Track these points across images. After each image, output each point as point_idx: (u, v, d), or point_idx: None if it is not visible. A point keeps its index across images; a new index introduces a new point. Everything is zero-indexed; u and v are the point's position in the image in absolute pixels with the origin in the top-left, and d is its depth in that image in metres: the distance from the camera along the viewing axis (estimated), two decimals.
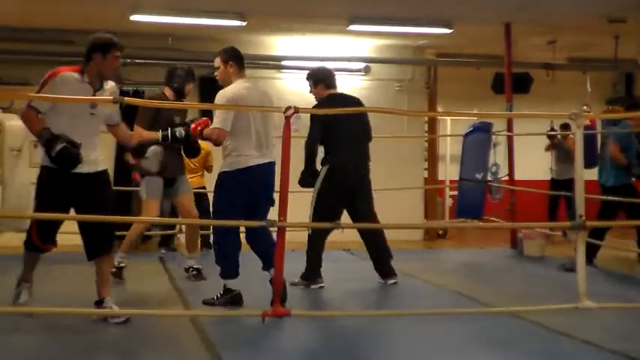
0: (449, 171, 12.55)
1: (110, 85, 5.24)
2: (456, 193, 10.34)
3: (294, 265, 6.08)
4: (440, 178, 12.56)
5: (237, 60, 5.82)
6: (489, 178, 9.51)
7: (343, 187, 6.60)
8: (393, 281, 6.75)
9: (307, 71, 6.73)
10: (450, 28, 9.83)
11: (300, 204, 5.89)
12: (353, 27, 9.72)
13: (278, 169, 5.01)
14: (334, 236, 6.64)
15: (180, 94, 6.84)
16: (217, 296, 5.68)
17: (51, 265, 8.08)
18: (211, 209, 5.95)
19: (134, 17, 9.08)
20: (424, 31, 10.17)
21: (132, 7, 8.86)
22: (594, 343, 4.64)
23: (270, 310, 4.35)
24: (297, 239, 6.55)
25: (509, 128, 9.75)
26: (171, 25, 9.62)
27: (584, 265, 4.90)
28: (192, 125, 5.85)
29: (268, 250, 5.60)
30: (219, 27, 9.75)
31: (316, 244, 6.63)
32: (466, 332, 5.04)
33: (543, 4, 8.75)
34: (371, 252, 6.86)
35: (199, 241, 7.47)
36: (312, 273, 6.63)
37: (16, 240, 8.72)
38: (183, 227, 9.16)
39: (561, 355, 4.57)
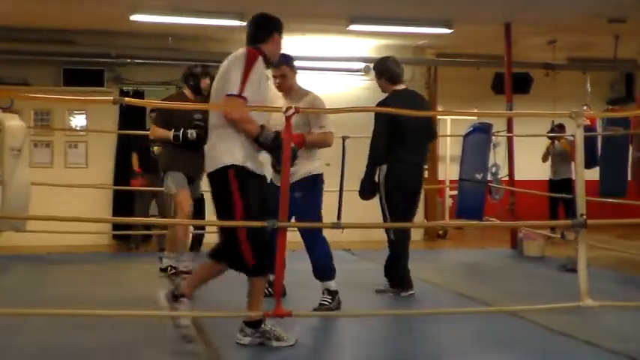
0: (449, 171, 12.56)
1: None
2: (455, 193, 10.34)
3: (294, 266, 6.04)
4: (440, 178, 12.57)
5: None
6: (489, 179, 9.51)
7: (406, 186, 6.30)
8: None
9: (307, 71, 6.73)
10: (450, 28, 9.84)
11: None
12: (353, 27, 9.72)
13: None
14: (336, 236, 6.60)
15: (197, 92, 6.95)
16: (329, 302, 5.62)
17: (51, 266, 8.11)
18: (306, 210, 5.59)
19: (134, 17, 9.08)
20: (424, 31, 10.17)
21: (132, 7, 8.86)
22: (594, 343, 4.64)
23: (271, 311, 4.34)
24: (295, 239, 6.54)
25: (509, 129, 9.76)
26: (171, 25, 9.62)
27: (586, 264, 4.89)
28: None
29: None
30: (219, 27, 9.74)
31: (401, 250, 6.34)
32: (466, 332, 5.03)
33: (543, 4, 8.75)
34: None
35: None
36: (401, 279, 6.34)
37: (13, 240, 8.77)
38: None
39: (562, 355, 4.57)
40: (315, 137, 5.53)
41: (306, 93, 5.77)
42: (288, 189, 4.37)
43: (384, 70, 6.42)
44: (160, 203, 9.20)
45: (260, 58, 4.39)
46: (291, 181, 5.60)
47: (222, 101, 4.36)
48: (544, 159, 11.26)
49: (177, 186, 6.73)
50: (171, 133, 6.68)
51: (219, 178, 4.34)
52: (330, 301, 5.62)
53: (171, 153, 6.84)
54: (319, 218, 5.65)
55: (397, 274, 6.35)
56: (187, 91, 7.02)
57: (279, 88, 5.83)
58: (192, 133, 6.59)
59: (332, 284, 5.71)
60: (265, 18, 4.63)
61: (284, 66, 5.70)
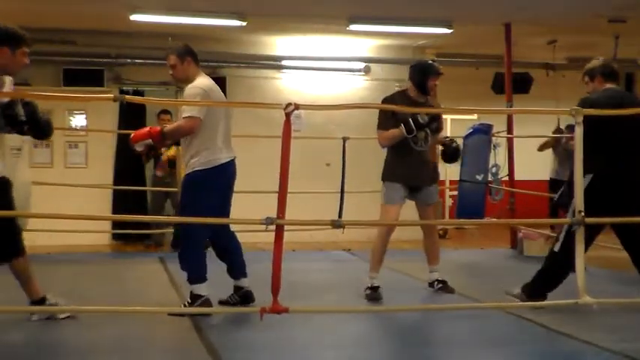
0: (449, 171, 12.55)
1: None
2: (456, 193, 10.34)
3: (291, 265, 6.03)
4: (440, 179, 12.56)
5: (193, 56, 5.50)
6: (489, 179, 9.52)
7: (607, 203, 5.20)
8: None
9: (309, 71, 6.59)
10: (450, 28, 9.84)
11: (296, 204, 5.80)
12: (353, 27, 9.72)
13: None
14: (334, 236, 6.57)
15: (423, 89, 6.21)
16: (186, 304, 5.31)
17: (51, 266, 8.11)
18: (181, 209, 5.52)
19: (134, 17, 9.09)
20: (424, 31, 10.17)
21: (132, 7, 8.86)
22: (594, 343, 4.64)
23: (268, 307, 4.33)
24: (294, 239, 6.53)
25: (510, 129, 9.76)
26: (171, 25, 9.62)
27: (584, 262, 4.89)
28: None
29: (236, 257, 5.60)
30: (219, 27, 9.75)
31: (564, 261, 5.37)
32: (465, 331, 5.03)
33: (543, 4, 8.75)
34: None
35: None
36: (539, 290, 5.57)
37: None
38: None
39: (561, 355, 4.56)
40: (170, 128, 5.40)
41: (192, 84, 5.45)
42: (287, 184, 4.35)
43: (598, 68, 5.57)
44: (175, 204, 9.21)
45: None
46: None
47: None
48: (542, 148, 11.10)
49: (387, 200, 6.22)
50: (401, 129, 5.99)
51: None
52: (187, 304, 5.28)
53: (390, 160, 6.28)
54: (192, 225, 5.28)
55: (542, 286, 5.59)
56: (411, 88, 6.24)
57: (173, 79, 5.63)
58: (422, 117, 5.96)
59: (197, 288, 5.30)
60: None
61: (171, 55, 5.47)
